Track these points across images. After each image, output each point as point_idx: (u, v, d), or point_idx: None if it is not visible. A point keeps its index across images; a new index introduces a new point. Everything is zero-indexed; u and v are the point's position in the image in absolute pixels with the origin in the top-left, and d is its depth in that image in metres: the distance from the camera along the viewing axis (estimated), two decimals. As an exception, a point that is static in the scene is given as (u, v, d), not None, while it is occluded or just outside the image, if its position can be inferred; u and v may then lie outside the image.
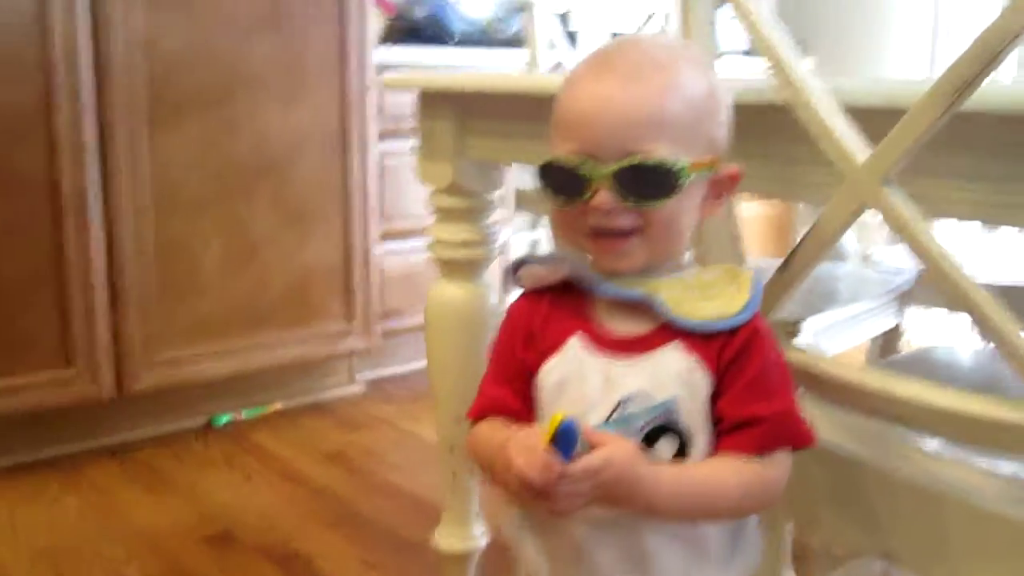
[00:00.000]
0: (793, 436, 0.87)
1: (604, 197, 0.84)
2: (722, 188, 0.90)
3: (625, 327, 0.89)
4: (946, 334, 2.62)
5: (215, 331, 2.41)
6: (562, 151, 0.86)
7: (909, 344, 1.87)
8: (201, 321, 2.38)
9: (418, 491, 2.13)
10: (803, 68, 0.86)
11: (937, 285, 0.81)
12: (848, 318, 1.66)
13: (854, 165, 0.82)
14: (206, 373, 2.41)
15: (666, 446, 0.84)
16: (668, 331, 0.87)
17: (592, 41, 2.30)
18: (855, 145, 0.83)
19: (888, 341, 1.88)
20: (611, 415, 0.85)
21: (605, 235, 0.86)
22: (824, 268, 1.81)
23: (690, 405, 0.85)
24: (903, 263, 1.85)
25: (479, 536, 1.62)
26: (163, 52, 2.22)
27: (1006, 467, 0.91)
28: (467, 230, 1.47)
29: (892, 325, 1.81)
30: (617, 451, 0.79)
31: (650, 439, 0.84)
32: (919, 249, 0.81)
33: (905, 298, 1.81)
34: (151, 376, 2.31)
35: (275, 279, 2.49)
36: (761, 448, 0.85)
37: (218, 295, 2.40)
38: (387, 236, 2.73)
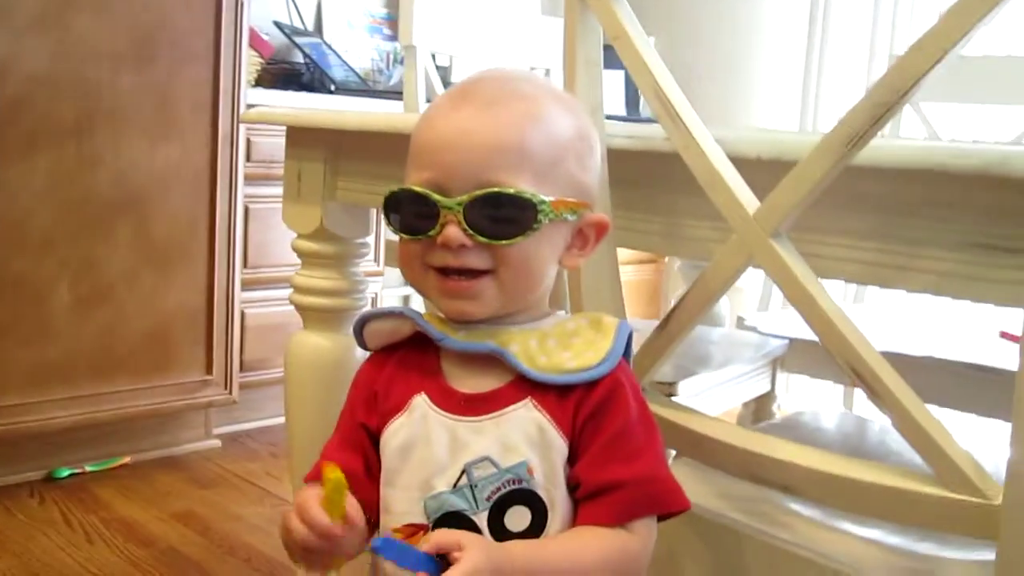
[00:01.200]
0: (660, 502, 0.79)
1: (453, 232, 0.76)
2: (587, 237, 0.83)
3: (473, 383, 0.81)
4: (814, 399, 2.66)
5: (61, 377, 2.24)
6: (412, 181, 0.79)
7: (780, 409, 1.87)
8: (45, 366, 2.21)
9: (276, 555, 1.99)
10: (692, 114, 0.82)
11: (825, 343, 0.77)
12: (721, 382, 1.65)
13: (744, 216, 0.79)
14: (49, 423, 2.23)
15: (519, 516, 0.77)
16: (521, 387, 0.79)
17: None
18: (745, 196, 0.79)
19: (760, 406, 1.88)
20: (456, 483, 0.77)
21: (453, 275, 0.78)
22: (698, 331, 1.80)
23: (544, 470, 0.77)
24: (776, 328, 1.86)
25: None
26: (19, 78, 2.09)
27: (891, 539, 0.89)
28: (334, 277, 1.39)
29: (764, 390, 1.82)
30: (475, 555, 0.71)
31: (501, 508, 0.77)
32: (806, 305, 0.77)
33: (777, 363, 1.82)
34: (-15, 424, 2.13)
35: (131, 324, 2.35)
36: (623, 516, 0.77)
37: (66, 338, 2.24)
38: (251, 284, 2.61)
